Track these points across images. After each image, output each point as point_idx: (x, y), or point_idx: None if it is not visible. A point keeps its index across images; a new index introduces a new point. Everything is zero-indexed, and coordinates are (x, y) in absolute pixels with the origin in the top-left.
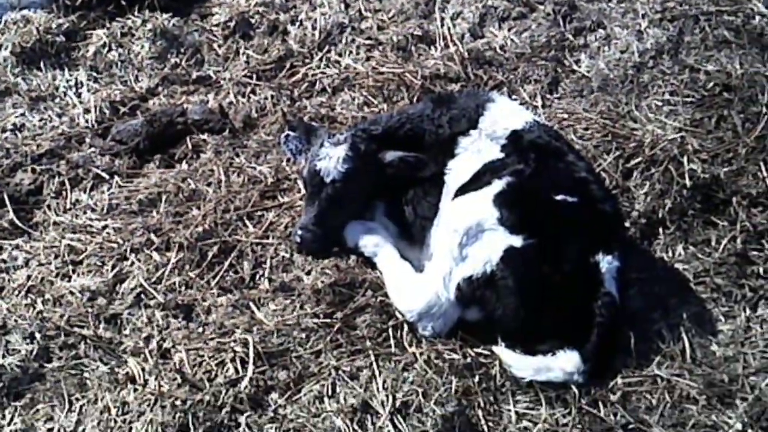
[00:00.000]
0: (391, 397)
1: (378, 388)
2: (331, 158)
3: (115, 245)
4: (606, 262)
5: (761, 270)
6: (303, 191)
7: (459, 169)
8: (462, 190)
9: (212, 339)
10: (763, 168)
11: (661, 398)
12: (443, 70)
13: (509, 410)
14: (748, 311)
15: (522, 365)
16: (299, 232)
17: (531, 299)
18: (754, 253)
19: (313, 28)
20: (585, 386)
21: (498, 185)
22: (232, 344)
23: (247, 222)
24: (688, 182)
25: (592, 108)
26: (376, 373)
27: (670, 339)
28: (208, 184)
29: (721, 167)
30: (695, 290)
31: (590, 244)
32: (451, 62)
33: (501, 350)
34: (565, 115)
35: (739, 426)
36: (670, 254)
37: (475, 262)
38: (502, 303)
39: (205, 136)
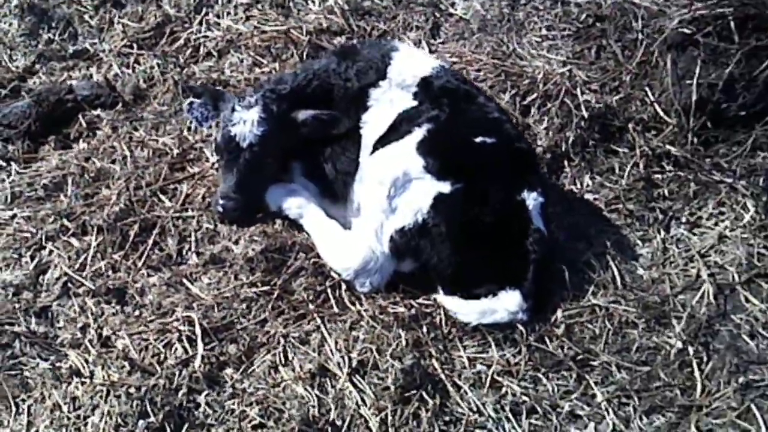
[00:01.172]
0: (346, 358)
1: (331, 350)
2: (246, 122)
3: (28, 234)
4: (531, 199)
5: (666, 192)
6: (217, 158)
7: (374, 122)
8: (380, 142)
9: (153, 321)
10: (649, 93)
11: (603, 326)
12: (326, 24)
13: (461, 356)
14: (662, 233)
15: (466, 310)
16: (220, 201)
17: (464, 243)
18: (657, 176)
19: None
20: (529, 323)
21: (419, 133)
22: (176, 324)
23: (161, 197)
24: (585, 114)
25: (478, 49)
26: (326, 335)
27: (599, 268)
28: (113, 162)
29: (611, 96)
30: (610, 218)
31: (515, 183)
32: (333, 15)
33: (443, 298)
34: (455, 59)
35: (679, 344)
36: (578, 185)
37: (406, 212)
38: (436, 251)
39: (97, 112)
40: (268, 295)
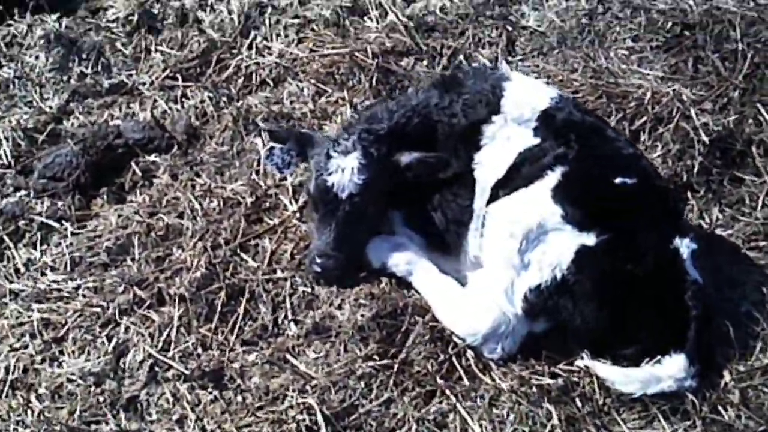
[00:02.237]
0: None
1: None
2: (344, 170)
3: (98, 309)
4: (684, 246)
5: None
6: (309, 211)
7: (489, 162)
8: (501, 187)
9: (262, 408)
10: (762, 110)
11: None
12: (390, 44)
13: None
14: None
15: (627, 380)
16: (318, 259)
17: (614, 302)
18: None
19: (229, 12)
20: (697, 391)
21: (552, 177)
22: (291, 412)
23: (243, 256)
24: (704, 138)
25: (565, 66)
26: (465, 416)
27: (763, 320)
28: (180, 216)
29: (722, 116)
30: (752, 257)
31: (665, 229)
32: (396, 33)
33: (596, 366)
34: (545, 78)
35: None
36: (707, 220)
37: (542, 268)
38: (579, 310)
39: (152, 158)
40: (388, 369)
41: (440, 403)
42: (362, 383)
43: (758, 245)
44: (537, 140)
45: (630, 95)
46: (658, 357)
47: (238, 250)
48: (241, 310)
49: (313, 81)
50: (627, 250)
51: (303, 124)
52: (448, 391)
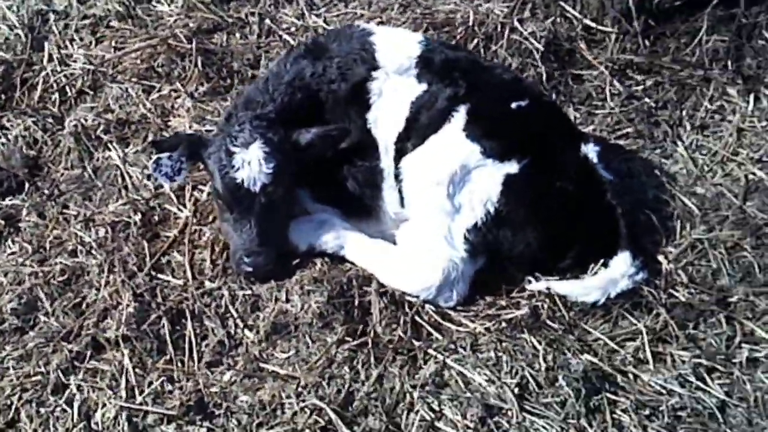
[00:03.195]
0: (504, 387)
1: (481, 384)
2: (250, 162)
3: (38, 378)
4: (591, 151)
5: (653, 102)
6: (220, 212)
7: (384, 119)
8: (406, 140)
9: (264, 424)
10: (570, 9)
11: (717, 258)
12: (194, 24)
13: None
14: (680, 144)
15: (586, 290)
16: (246, 259)
17: (549, 220)
18: (635, 89)
19: (10, 28)
20: (648, 282)
21: (459, 117)
22: (298, 418)
23: (163, 276)
24: (538, 45)
25: (373, 7)
26: (458, 368)
27: (669, 199)
28: (73, 254)
29: (538, 21)
30: (625, 144)
31: (570, 140)
32: (195, 11)
33: (555, 284)
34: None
35: None
36: None
37: (474, 207)
38: (519, 238)
39: (6, 201)
40: (364, 347)
41: (427, 363)
42: (347, 368)
43: (625, 132)
44: (424, 86)
45: (454, 21)
46: (602, 260)
47: (154, 273)
48: (189, 332)
49: (134, 80)
50: (549, 168)
51: (146, 126)
52: (431, 351)
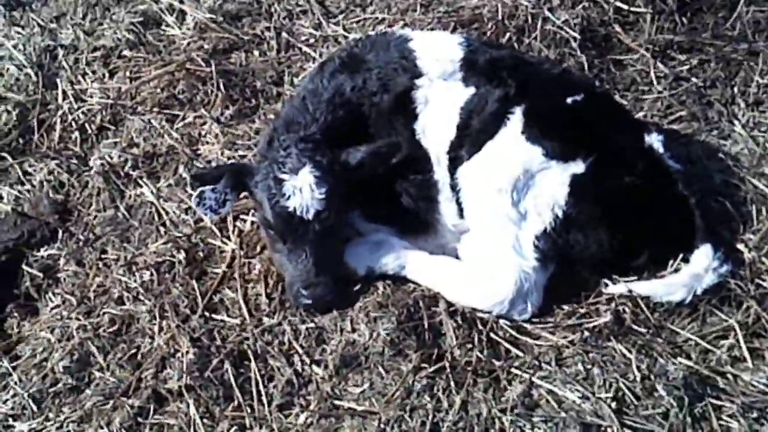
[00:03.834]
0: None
1: (597, 395)
2: (301, 189)
3: None
4: (655, 141)
5: (701, 82)
6: (274, 243)
7: (433, 128)
8: (459, 148)
9: None
10: None
11: None
12: (209, 44)
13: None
14: (737, 124)
15: (671, 289)
16: (304, 291)
17: (622, 218)
18: (680, 69)
19: (19, 68)
20: (734, 274)
21: (516, 119)
22: None
23: (219, 317)
24: (574, 33)
25: (394, 10)
26: (547, 386)
27: (740, 184)
28: (119, 301)
29: (574, 9)
30: (679, 129)
31: (635, 131)
32: (208, 32)
33: (637, 285)
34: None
35: None
36: None
37: (541, 212)
38: (592, 239)
39: (42, 252)
40: (441, 372)
41: (512, 384)
42: (427, 397)
43: (678, 116)
44: (472, 89)
45: (482, 16)
46: (681, 255)
47: (209, 314)
48: (255, 374)
49: (156, 110)
50: (617, 164)
51: (176, 158)
52: (514, 370)
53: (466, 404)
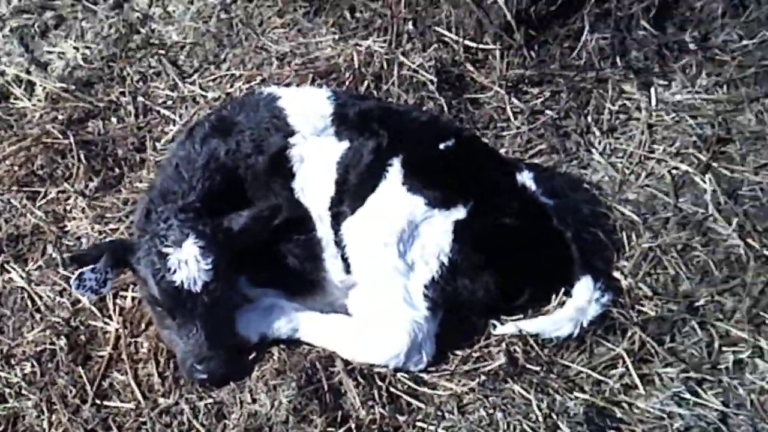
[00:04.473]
0: None
1: None
2: (187, 262)
3: None
4: (526, 178)
5: (556, 114)
6: (161, 320)
7: (311, 186)
8: (340, 203)
9: None
10: (446, 32)
11: (676, 262)
12: (63, 115)
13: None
14: (593, 149)
15: (558, 324)
16: (198, 366)
17: (504, 260)
18: (533, 103)
19: None
20: (615, 303)
21: (394, 171)
22: None
23: (111, 403)
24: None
25: (249, 63)
26: None
27: (607, 212)
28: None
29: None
30: (539, 162)
31: (507, 171)
32: (61, 102)
33: (525, 324)
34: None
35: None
36: None
37: (428, 261)
38: (478, 283)
39: None
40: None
41: None
42: None
43: (539, 149)
44: (346, 144)
45: (339, 66)
46: (562, 290)
47: (100, 401)
48: None
49: (15, 188)
50: (495, 206)
51: (42, 237)
52: (419, 423)
53: None
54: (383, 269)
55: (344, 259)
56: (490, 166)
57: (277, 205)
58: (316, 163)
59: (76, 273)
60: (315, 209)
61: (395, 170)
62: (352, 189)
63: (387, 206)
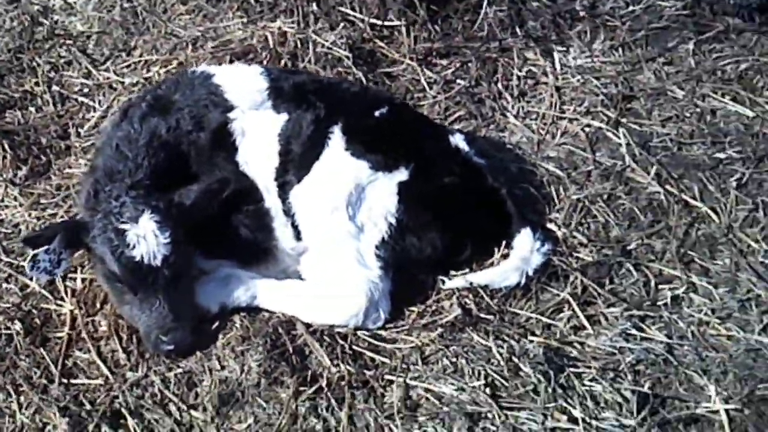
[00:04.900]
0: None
1: (470, 384)
2: (146, 237)
3: None
4: (459, 140)
5: (467, 83)
6: (121, 296)
7: (255, 158)
8: (285, 173)
9: None
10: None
11: (602, 211)
12: None
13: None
14: (507, 112)
15: (505, 275)
16: (164, 338)
17: (447, 218)
18: (445, 73)
19: None
20: (554, 252)
21: (336, 138)
22: None
23: (78, 381)
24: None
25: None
26: (424, 386)
27: (533, 168)
28: None
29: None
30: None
31: (440, 133)
32: None
33: (474, 277)
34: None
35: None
36: None
37: (376, 222)
38: (425, 241)
39: None
40: (320, 392)
41: (388, 390)
42: (313, 419)
43: (458, 116)
44: (285, 116)
45: (254, 47)
46: (503, 243)
47: (66, 380)
48: (135, 431)
49: None
50: (435, 168)
51: None
52: (387, 376)
53: (353, 418)
54: (334, 233)
55: (294, 227)
56: (425, 131)
57: (225, 178)
58: (257, 136)
59: (30, 255)
60: (261, 180)
61: (337, 138)
62: (297, 159)
63: (333, 172)
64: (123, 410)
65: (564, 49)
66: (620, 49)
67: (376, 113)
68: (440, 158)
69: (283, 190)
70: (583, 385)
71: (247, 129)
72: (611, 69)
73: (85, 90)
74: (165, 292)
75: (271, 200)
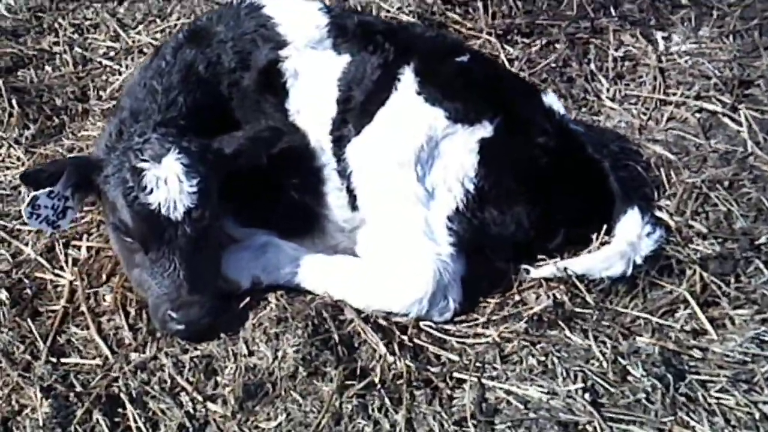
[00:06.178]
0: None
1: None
2: (167, 181)
3: None
4: (554, 102)
5: (556, 56)
6: (131, 255)
7: (309, 106)
8: (343, 126)
9: None
10: None
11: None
12: None
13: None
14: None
15: (608, 262)
16: (175, 315)
17: (539, 187)
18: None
19: None
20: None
21: (407, 80)
22: None
23: (72, 360)
24: None
25: None
26: (499, 385)
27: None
28: None
29: None
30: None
31: (532, 93)
32: None
33: (572, 263)
34: None
35: None
36: None
37: (451, 187)
38: (510, 213)
39: None
40: (371, 387)
41: (457, 391)
42: (361, 419)
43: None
44: (347, 57)
45: None
46: (604, 227)
47: (55, 358)
48: (136, 422)
49: None
50: (526, 126)
51: None
52: (456, 374)
53: (412, 422)
54: (399, 197)
55: (350, 192)
56: (514, 85)
57: (279, 128)
58: (313, 80)
59: (29, 197)
60: (314, 133)
61: (408, 80)
62: (357, 108)
63: (401, 120)
64: (122, 395)
65: (665, 34)
66: (731, 37)
67: (457, 59)
68: (531, 116)
69: (339, 146)
70: (710, 396)
71: (300, 70)
72: (723, 55)
73: (111, 54)
74: (183, 255)
75: (324, 158)
